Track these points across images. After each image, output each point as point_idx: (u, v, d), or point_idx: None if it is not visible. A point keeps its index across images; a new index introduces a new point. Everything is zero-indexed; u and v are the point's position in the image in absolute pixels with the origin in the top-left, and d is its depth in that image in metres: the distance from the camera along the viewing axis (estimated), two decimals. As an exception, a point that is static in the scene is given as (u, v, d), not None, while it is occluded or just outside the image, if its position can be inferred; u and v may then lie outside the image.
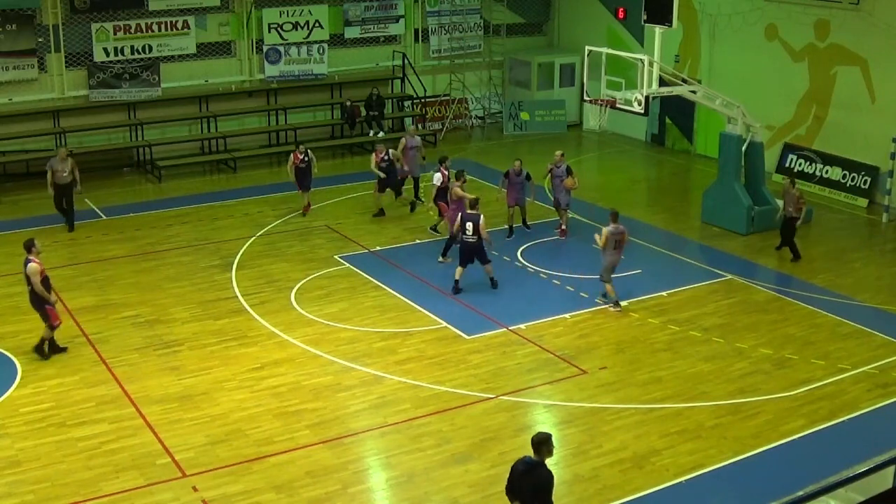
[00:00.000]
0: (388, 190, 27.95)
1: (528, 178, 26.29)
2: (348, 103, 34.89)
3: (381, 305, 21.95)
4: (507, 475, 12.38)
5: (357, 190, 28.78)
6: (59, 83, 32.26)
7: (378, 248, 24.93)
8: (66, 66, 32.25)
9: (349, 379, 18.69)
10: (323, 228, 26.70)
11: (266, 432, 16.83)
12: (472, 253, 22.64)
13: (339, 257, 24.48)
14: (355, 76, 36.26)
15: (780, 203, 25.02)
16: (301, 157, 27.38)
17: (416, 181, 28.72)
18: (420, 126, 36.83)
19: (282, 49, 34.76)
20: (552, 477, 12.22)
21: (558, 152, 26.54)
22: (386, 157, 27.43)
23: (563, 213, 26.31)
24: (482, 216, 22.37)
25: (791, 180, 24.67)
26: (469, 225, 22.36)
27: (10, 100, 31.52)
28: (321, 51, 35.32)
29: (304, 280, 23.08)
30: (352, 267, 23.84)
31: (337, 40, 36.02)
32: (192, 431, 16.86)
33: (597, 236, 21.74)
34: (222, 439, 16.56)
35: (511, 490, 12.34)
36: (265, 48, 34.69)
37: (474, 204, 22.78)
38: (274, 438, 16.64)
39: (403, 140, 28.63)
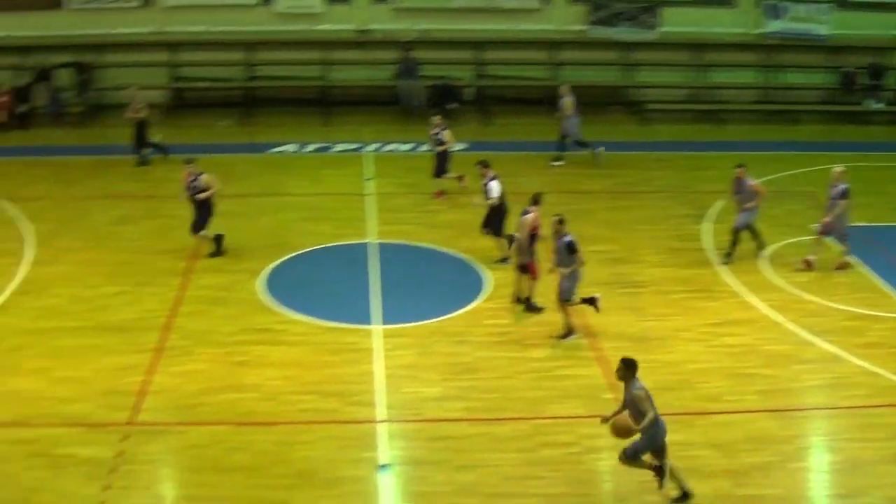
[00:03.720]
0: None
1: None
2: (851, 70, 33.32)
3: (853, 283, 21.02)
4: None
5: (851, 160, 26.94)
6: (560, 16, 33.18)
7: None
8: (568, 0, 33.08)
9: (807, 352, 18.16)
10: (800, 194, 25.77)
11: (714, 389, 16.75)
12: None
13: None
14: (858, 41, 34.39)
15: None
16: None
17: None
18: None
19: (786, 5, 33.71)
20: None
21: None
22: None
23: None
24: None
25: None
26: None
27: (510, 28, 32.93)
28: (826, 11, 33.89)
29: (777, 245, 22.47)
30: (830, 240, 22.87)
31: (844, 2, 34.24)
32: (641, 374, 16.96)
33: None
34: (670, 387, 16.52)
35: None
36: (767, 2, 33.76)
37: None
38: (721, 397, 16.54)
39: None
